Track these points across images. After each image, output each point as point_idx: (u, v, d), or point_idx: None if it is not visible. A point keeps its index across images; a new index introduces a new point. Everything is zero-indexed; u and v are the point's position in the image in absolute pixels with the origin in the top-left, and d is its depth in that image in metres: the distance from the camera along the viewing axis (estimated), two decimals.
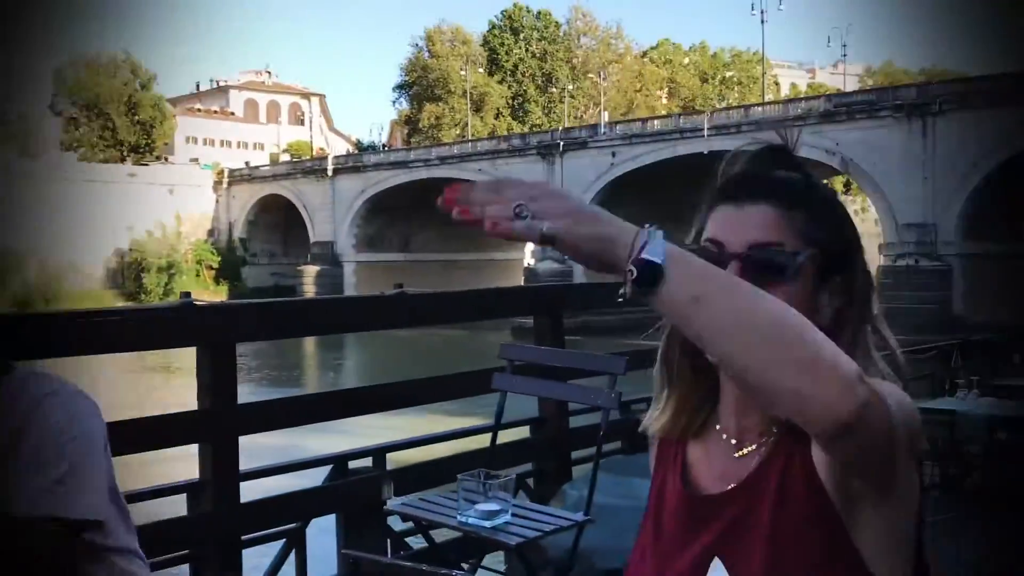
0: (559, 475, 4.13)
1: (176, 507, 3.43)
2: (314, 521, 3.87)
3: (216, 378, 3.28)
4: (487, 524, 2.60)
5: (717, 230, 1.09)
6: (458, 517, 2.69)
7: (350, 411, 4.06)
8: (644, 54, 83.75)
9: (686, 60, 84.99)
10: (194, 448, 3.35)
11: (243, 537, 3.43)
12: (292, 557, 3.73)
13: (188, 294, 3.23)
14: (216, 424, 3.28)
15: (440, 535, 3.46)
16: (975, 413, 6.98)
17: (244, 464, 3.82)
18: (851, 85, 73.46)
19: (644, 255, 0.85)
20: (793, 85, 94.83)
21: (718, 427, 1.14)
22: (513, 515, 2.65)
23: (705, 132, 43.47)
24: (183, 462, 3.67)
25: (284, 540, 3.69)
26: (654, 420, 1.17)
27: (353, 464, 3.91)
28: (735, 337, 0.85)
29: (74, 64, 66.72)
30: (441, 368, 4.86)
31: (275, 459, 3.94)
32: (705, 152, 43.28)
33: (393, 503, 3.19)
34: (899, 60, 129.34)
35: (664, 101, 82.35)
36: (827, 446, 0.93)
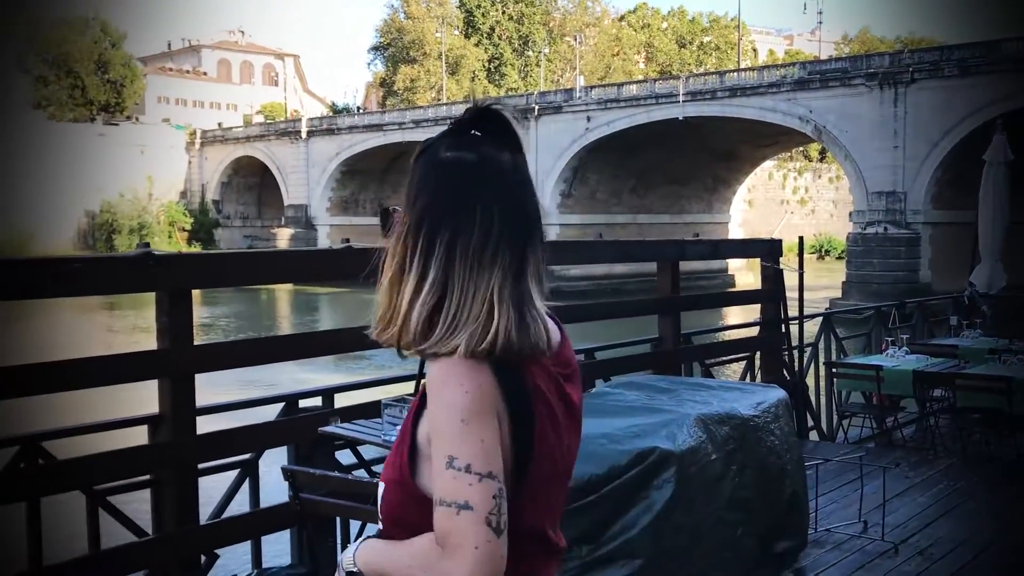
0: None
1: (140, 438, 3.76)
2: (272, 456, 4.22)
3: (173, 321, 3.59)
4: None
5: None
6: (382, 436, 3.04)
7: (298, 354, 4.39)
8: (621, 18, 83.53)
9: (664, 25, 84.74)
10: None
11: (200, 466, 3.76)
12: (247, 486, 4.09)
13: (147, 244, 3.53)
14: (173, 362, 3.60)
15: None
16: (899, 368, 7.39)
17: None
18: (828, 52, 73.81)
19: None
20: (771, 51, 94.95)
21: None
22: None
23: (680, 98, 43.54)
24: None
25: (239, 469, 4.03)
26: None
27: (304, 403, 4.25)
28: None
29: (43, 21, 65.69)
30: None
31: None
32: (680, 118, 43.45)
33: (328, 428, 3.52)
34: (875, 28, 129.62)
35: (641, 66, 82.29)
36: None
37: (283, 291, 46.15)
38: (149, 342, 3.80)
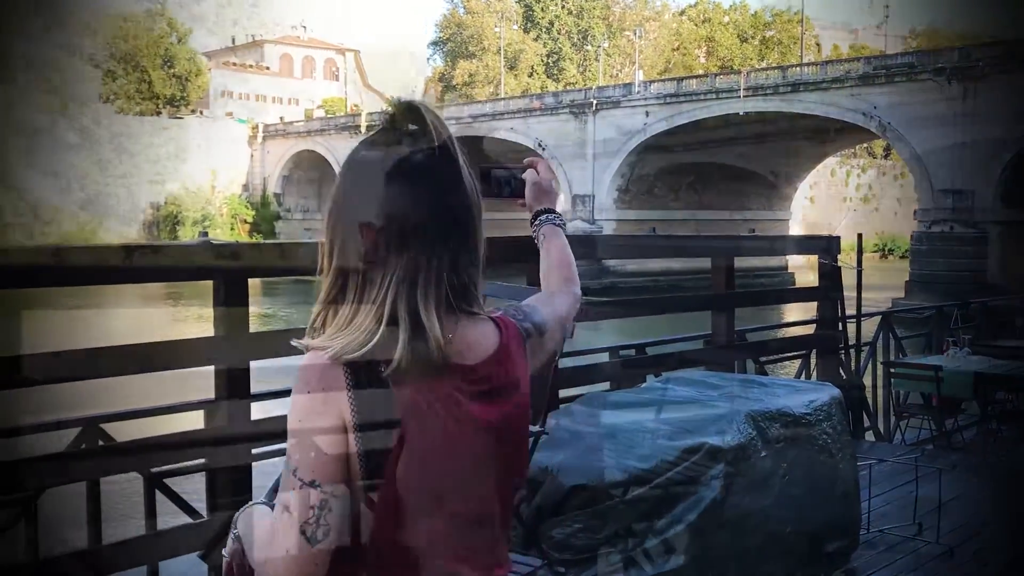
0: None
1: (196, 422, 3.86)
2: None
3: (229, 308, 3.66)
4: None
5: None
6: None
7: None
8: (682, 12, 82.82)
9: (725, 19, 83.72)
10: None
11: (254, 451, 3.84)
12: None
13: (205, 233, 3.60)
14: (228, 349, 3.68)
15: None
16: (961, 369, 7.22)
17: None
18: (894, 47, 72.25)
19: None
20: (835, 46, 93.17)
21: None
22: None
23: (741, 93, 42.99)
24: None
25: None
26: None
27: None
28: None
29: (112, 16, 67.54)
30: None
31: None
32: (740, 113, 42.92)
33: None
34: (944, 22, 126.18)
35: (702, 61, 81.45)
36: None
37: None
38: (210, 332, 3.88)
